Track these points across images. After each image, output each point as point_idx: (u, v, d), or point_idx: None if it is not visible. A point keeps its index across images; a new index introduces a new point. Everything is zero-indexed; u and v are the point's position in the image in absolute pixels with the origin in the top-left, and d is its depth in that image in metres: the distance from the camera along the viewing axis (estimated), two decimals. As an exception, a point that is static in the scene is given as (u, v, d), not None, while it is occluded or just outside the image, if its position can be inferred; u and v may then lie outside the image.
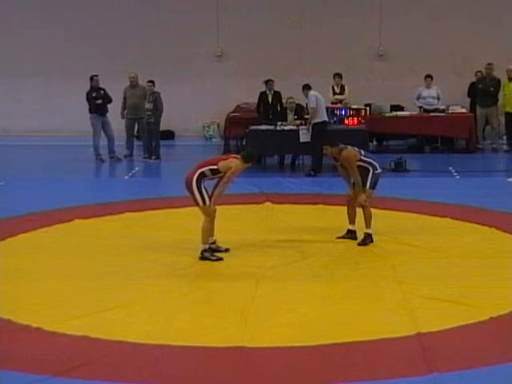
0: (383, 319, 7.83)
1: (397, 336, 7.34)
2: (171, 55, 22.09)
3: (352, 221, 10.80)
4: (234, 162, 10.07)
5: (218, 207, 10.12)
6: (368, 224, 10.61)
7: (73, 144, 20.62)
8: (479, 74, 19.67)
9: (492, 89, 19.02)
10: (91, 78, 18.39)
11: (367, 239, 10.56)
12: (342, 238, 10.75)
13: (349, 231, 10.80)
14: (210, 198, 10.02)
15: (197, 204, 10.06)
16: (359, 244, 10.52)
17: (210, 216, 10.05)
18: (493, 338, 7.36)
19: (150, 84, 18.23)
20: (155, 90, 18.20)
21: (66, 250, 10.41)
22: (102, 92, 18.28)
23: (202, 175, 10.01)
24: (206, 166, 10.08)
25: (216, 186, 10.15)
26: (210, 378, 6.61)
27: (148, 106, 18.18)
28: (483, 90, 19.08)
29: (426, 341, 7.17)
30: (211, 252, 10.03)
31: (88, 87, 18.42)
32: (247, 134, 17.08)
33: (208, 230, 10.08)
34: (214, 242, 10.23)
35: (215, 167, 10.02)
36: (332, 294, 8.62)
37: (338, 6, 21.86)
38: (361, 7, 21.78)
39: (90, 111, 18.25)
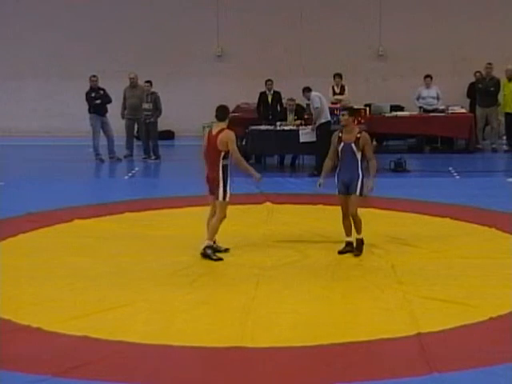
0: (383, 319, 7.83)
1: (397, 336, 7.34)
2: (171, 55, 22.10)
3: (349, 232, 10.20)
4: (224, 134, 9.97)
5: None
6: (359, 230, 10.13)
7: (73, 144, 20.62)
8: (478, 74, 19.68)
9: (492, 89, 19.02)
10: (90, 79, 18.39)
11: (361, 246, 10.12)
12: (344, 252, 10.13)
13: (348, 244, 10.19)
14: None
15: (217, 198, 10.05)
16: (356, 255, 10.02)
17: (225, 215, 10.07)
18: (493, 338, 7.36)
19: (147, 84, 18.24)
20: (153, 90, 18.22)
21: (65, 250, 10.40)
22: (102, 92, 18.28)
23: (226, 168, 10.01)
24: (216, 156, 9.97)
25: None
26: (210, 378, 6.61)
27: (147, 106, 18.18)
28: (483, 90, 19.08)
29: (426, 341, 7.17)
30: (213, 251, 10.04)
31: (87, 87, 18.41)
32: (247, 134, 17.08)
33: (217, 229, 10.10)
34: (214, 242, 10.24)
35: (221, 150, 9.95)
36: (332, 294, 8.62)
37: (338, 6, 21.87)
38: (361, 7, 21.80)
39: (90, 111, 18.25)
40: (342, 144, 10.02)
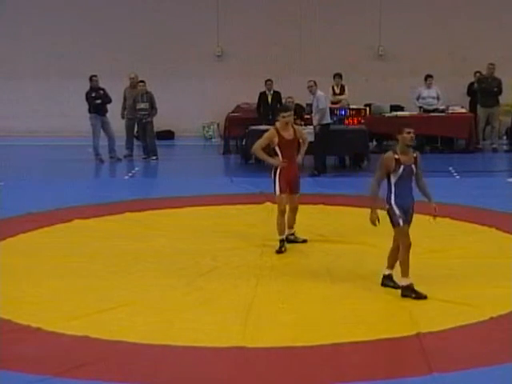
0: (383, 319, 7.84)
1: (397, 336, 7.34)
2: (171, 55, 22.10)
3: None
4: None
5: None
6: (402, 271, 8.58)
7: (73, 144, 20.62)
8: (478, 74, 19.69)
9: (495, 89, 19.01)
10: (90, 79, 18.39)
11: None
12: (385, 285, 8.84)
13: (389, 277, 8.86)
14: (280, 188, 10.28)
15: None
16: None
17: (281, 208, 10.31)
18: (493, 338, 7.36)
19: (142, 84, 18.27)
20: (147, 89, 18.25)
21: (66, 250, 10.40)
22: (102, 92, 18.28)
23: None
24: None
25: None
26: (210, 378, 6.61)
27: (143, 105, 18.20)
28: (486, 90, 19.06)
29: (426, 341, 7.17)
30: (283, 244, 10.31)
31: (87, 87, 18.40)
32: (247, 134, 17.08)
33: (279, 224, 10.32)
34: (292, 234, 10.55)
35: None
36: (332, 294, 8.62)
37: (338, 6, 21.87)
38: (361, 7, 21.81)
39: (90, 111, 18.25)
40: (402, 167, 8.45)
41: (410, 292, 8.36)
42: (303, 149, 10.66)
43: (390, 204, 8.49)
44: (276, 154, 10.33)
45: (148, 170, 17.83)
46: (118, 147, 18.33)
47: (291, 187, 10.37)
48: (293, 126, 10.43)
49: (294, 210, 10.53)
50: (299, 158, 10.52)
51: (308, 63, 21.52)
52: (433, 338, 7.25)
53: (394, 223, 8.48)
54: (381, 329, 7.51)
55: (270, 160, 10.38)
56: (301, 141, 10.59)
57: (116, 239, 10.93)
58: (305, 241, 10.60)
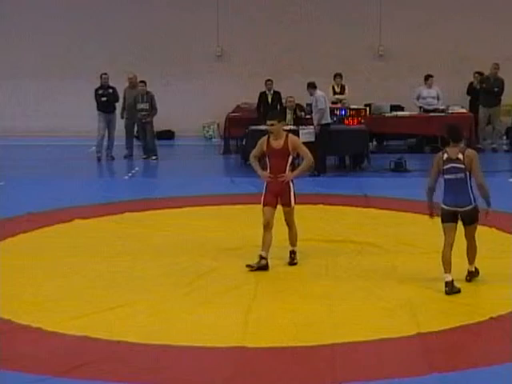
0: (383, 319, 7.84)
1: (397, 336, 7.34)
2: (171, 55, 22.10)
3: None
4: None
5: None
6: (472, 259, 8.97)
7: (72, 144, 20.62)
8: (477, 74, 19.68)
9: (496, 89, 19.01)
10: (100, 76, 18.43)
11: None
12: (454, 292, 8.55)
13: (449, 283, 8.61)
14: (263, 200, 9.69)
15: None
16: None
17: (262, 222, 9.65)
18: (493, 338, 7.37)
19: (142, 84, 18.29)
20: (147, 89, 18.27)
21: (66, 250, 10.40)
22: (111, 91, 18.33)
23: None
24: None
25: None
26: (210, 378, 6.61)
27: (143, 106, 18.21)
28: (487, 90, 19.05)
29: (426, 341, 7.18)
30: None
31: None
32: (247, 134, 17.07)
33: (263, 237, 9.60)
34: (293, 252, 9.78)
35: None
36: (332, 294, 8.61)
37: (338, 6, 21.87)
38: (361, 7, 21.81)
39: (97, 108, 18.32)
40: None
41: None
42: (303, 164, 9.66)
43: (476, 202, 8.91)
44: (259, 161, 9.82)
45: (148, 169, 17.83)
46: (118, 147, 18.33)
47: (281, 200, 9.66)
48: (287, 136, 9.53)
49: (288, 226, 9.78)
50: (290, 175, 9.60)
51: (308, 63, 21.53)
52: (433, 338, 7.26)
53: (478, 220, 8.85)
54: (381, 329, 7.51)
55: (258, 171, 9.78)
56: (301, 155, 9.71)
57: (116, 239, 10.94)
58: (294, 264, 9.70)
